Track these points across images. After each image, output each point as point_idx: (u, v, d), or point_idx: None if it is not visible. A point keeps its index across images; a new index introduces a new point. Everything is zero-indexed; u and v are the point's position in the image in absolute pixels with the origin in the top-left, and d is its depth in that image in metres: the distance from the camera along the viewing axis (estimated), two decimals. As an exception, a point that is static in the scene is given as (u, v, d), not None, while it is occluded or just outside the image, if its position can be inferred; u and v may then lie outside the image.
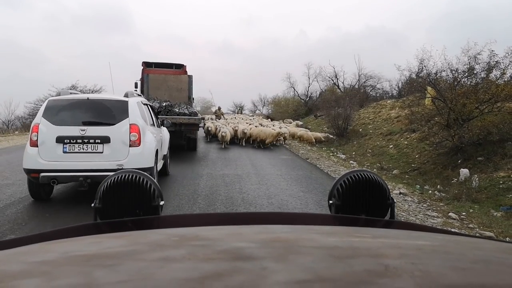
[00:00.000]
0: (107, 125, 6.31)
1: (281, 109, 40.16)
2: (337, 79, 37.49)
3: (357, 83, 35.96)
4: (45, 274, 0.58)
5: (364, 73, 35.42)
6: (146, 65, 15.40)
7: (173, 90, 14.57)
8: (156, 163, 7.07)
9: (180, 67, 15.66)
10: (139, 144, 6.41)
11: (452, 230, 5.14)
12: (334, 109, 23.08)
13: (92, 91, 34.80)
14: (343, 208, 1.60)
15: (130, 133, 6.36)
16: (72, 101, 6.55)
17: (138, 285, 0.54)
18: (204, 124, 18.16)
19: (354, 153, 17.36)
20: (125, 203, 1.51)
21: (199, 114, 14.73)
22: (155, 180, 1.56)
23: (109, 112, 6.46)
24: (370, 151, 17.31)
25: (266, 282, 0.52)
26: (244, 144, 16.94)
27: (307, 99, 41.70)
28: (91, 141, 6.20)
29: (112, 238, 0.90)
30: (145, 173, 1.55)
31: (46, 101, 6.63)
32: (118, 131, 6.30)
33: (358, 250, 0.69)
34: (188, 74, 15.33)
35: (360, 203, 1.61)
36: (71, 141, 6.16)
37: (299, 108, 39.74)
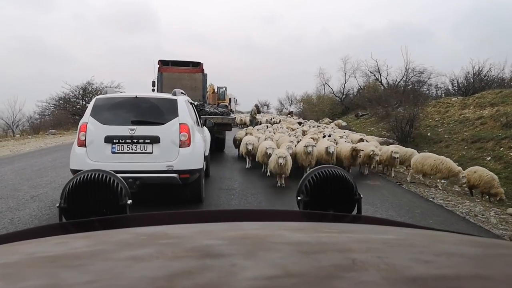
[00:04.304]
0: (156, 124, 6.26)
1: (316, 108, 35.60)
2: (380, 74, 32.60)
3: (404, 78, 30.98)
4: (8, 276, 0.58)
5: (412, 67, 30.39)
6: (162, 63, 15.44)
7: (187, 88, 13.76)
8: (204, 164, 7.02)
9: (197, 65, 15.67)
10: (189, 145, 6.30)
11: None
12: (392, 108, 18.18)
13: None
14: (311, 204, 1.61)
15: (180, 133, 6.24)
16: (120, 99, 6.58)
17: (106, 285, 0.54)
18: (237, 140, 13.45)
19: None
20: (91, 203, 1.50)
21: (231, 114, 15.71)
22: (121, 179, 1.56)
23: (158, 111, 6.40)
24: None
25: (235, 279, 0.54)
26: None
27: (343, 97, 36.77)
28: (140, 141, 6.11)
29: (79, 238, 0.90)
30: (112, 172, 1.57)
31: (94, 99, 6.64)
32: (168, 131, 6.22)
33: (326, 245, 0.72)
34: (203, 72, 15.58)
35: (328, 198, 1.63)
36: (120, 141, 6.09)
37: (334, 106, 34.99)
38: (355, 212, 1.63)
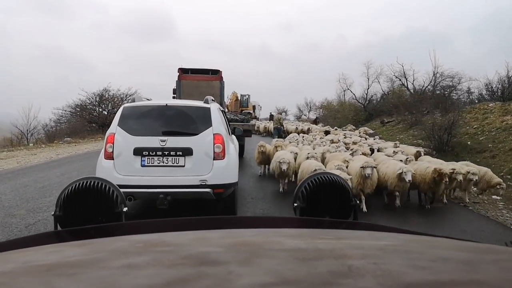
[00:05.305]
0: (189, 135, 5.84)
1: (339, 114, 34.12)
2: (406, 79, 31.07)
3: (432, 82, 29.38)
4: (3, 285, 0.58)
5: (440, 71, 28.82)
6: (182, 71, 15.79)
7: (205, 96, 12.58)
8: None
9: (216, 72, 15.98)
10: (223, 157, 5.84)
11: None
12: (422, 115, 16.77)
13: (126, 95, 33.97)
14: (308, 211, 1.61)
15: (214, 144, 5.79)
16: (149, 107, 6.12)
17: None
18: (262, 150, 10.75)
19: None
20: (86, 210, 1.49)
21: (254, 120, 16.79)
22: (117, 186, 1.55)
23: (190, 120, 5.98)
24: (509, 177, 11.95)
25: (231, 286, 0.54)
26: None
27: (366, 103, 35.17)
28: (172, 153, 5.69)
29: (74, 246, 0.90)
30: (107, 180, 1.57)
31: (121, 108, 6.20)
32: (201, 142, 5.79)
33: (322, 251, 0.72)
34: (222, 79, 16.03)
35: (324, 205, 1.64)
36: (150, 153, 5.66)
37: (357, 113, 33.67)
38: (351, 218, 1.65)
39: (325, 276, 0.56)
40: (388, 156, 9.55)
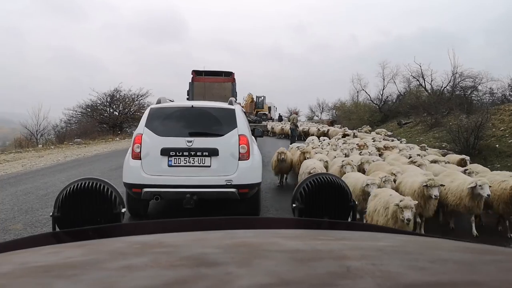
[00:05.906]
0: (215, 136, 6.02)
1: (354, 115, 33.18)
2: (424, 79, 30.07)
3: (450, 83, 28.36)
4: (1, 287, 0.57)
5: (459, 71, 27.80)
6: (196, 73, 16.34)
7: (217, 97, 14.47)
8: None
9: (229, 74, 16.58)
10: (248, 157, 5.98)
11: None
12: (442, 116, 15.98)
13: (137, 95, 34.03)
14: (306, 211, 1.61)
15: (239, 145, 5.94)
16: (176, 109, 6.37)
17: None
18: (282, 157, 9.11)
19: None
20: (85, 211, 1.48)
21: (269, 121, 17.68)
22: (115, 187, 1.54)
23: (216, 121, 6.17)
24: None
25: (230, 287, 0.54)
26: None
27: (381, 104, 34.23)
28: (198, 153, 5.84)
29: (72, 247, 0.89)
30: (106, 180, 1.55)
31: (148, 109, 6.42)
32: (226, 143, 5.97)
33: (321, 252, 0.71)
34: (234, 81, 16.48)
35: (322, 206, 1.62)
36: (177, 153, 5.82)
37: (373, 114, 32.86)
38: (350, 219, 1.64)
39: (323, 277, 0.56)
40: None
